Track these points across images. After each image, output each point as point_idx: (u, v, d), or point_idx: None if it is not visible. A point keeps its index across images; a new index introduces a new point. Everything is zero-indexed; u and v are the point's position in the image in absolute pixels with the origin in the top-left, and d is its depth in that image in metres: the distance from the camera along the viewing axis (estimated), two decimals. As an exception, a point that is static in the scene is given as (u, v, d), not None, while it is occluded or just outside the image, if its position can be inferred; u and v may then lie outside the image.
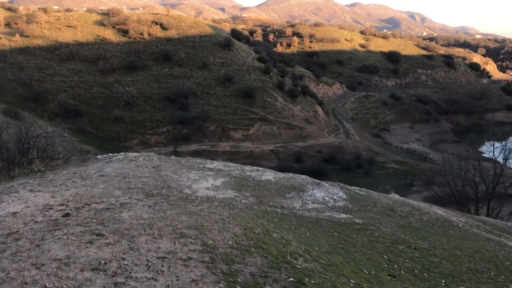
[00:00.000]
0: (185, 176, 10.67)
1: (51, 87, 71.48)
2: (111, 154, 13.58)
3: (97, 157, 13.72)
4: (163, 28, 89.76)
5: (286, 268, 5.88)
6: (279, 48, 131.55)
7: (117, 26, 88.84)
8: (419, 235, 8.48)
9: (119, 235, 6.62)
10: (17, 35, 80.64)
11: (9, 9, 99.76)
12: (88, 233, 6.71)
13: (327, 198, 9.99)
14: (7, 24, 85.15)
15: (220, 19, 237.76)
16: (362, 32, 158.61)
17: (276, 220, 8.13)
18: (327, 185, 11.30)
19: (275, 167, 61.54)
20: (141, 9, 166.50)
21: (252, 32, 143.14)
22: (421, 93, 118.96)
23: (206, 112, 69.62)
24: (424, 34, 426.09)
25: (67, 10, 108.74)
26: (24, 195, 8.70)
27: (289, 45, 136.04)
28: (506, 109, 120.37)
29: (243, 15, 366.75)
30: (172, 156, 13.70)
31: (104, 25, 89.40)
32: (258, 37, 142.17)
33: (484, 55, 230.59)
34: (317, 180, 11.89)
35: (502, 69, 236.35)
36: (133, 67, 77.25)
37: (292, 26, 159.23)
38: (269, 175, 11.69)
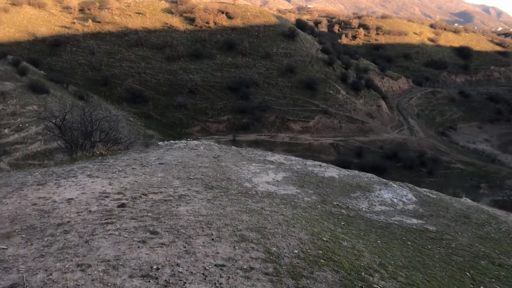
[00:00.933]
0: (246, 168, 10.41)
1: (119, 71, 73.91)
2: (172, 141, 13.53)
3: (159, 143, 13.70)
4: (229, 17, 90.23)
5: (362, 287, 5.21)
6: (344, 40, 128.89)
7: (184, 14, 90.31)
8: (501, 248, 7.58)
9: (175, 235, 6.18)
10: (90, 21, 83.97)
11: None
12: (141, 230, 6.31)
13: (395, 200, 9.36)
14: (81, 10, 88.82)
15: (285, 9, 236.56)
16: (431, 26, 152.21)
17: (343, 223, 7.58)
18: (395, 185, 10.63)
19: (334, 161, 60.58)
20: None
21: (317, 23, 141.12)
22: (493, 91, 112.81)
23: (267, 103, 69.46)
24: (500, 29, 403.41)
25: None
26: (82, 180, 8.62)
27: (354, 37, 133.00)
28: None
29: (308, 6, 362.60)
30: (233, 147, 13.48)
31: (172, 13, 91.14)
32: (323, 28, 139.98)
33: None
34: (385, 180, 11.22)
35: None
36: (197, 55, 78.33)
37: (359, 17, 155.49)
38: (332, 171, 11.17)
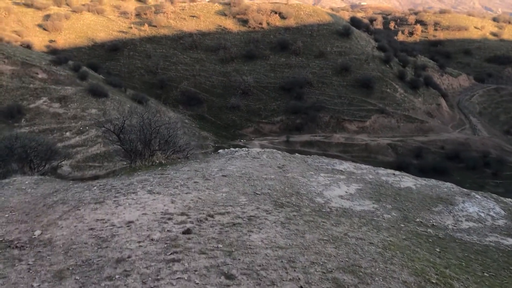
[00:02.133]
0: (314, 180, 9.70)
1: (174, 75, 75.15)
2: (233, 149, 13.02)
3: (219, 151, 13.32)
4: (282, 17, 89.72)
5: None
6: (400, 37, 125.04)
7: (238, 16, 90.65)
8: None
9: (255, 280, 5.19)
10: (146, 25, 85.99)
11: (139, 0, 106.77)
12: (214, 272, 5.38)
13: (482, 215, 8.44)
14: (138, 15, 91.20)
15: (338, 7, 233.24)
16: (494, 19, 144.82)
17: (437, 250, 6.63)
18: (478, 196, 9.67)
19: (392, 162, 58.58)
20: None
21: (372, 20, 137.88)
22: None
23: (321, 102, 68.32)
24: None
25: (192, 0, 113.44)
26: (142, 197, 8.11)
27: (411, 34, 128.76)
28: None
29: (362, 3, 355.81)
30: (297, 154, 12.77)
31: (225, 15, 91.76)
32: (379, 25, 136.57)
33: None
34: (466, 190, 10.23)
35: None
36: (250, 56, 78.34)
37: (415, 13, 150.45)
38: (408, 181, 10.30)
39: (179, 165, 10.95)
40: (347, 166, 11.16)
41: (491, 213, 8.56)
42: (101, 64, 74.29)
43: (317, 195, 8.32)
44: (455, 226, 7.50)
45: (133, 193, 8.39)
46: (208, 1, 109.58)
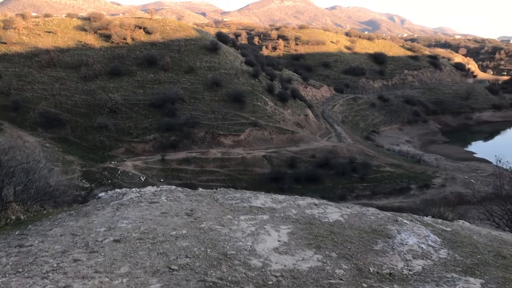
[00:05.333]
0: (236, 227, 7.90)
1: (31, 95, 68.19)
2: (119, 191, 10.36)
3: (100, 195, 10.35)
4: (147, 32, 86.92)
5: None
6: (265, 51, 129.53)
7: (99, 31, 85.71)
8: None
9: None
10: (-7, 42, 77.09)
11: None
12: None
13: (424, 246, 7.63)
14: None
15: (202, 23, 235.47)
16: (347, 34, 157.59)
17: None
18: (407, 221, 8.91)
19: (268, 173, 59.44)
20: (121, 14, 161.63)
21: (237, 36, 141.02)
22: (408, 94, 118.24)
23: (195, 118, 67.02)
24: (405, 35, 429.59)
25: (46, 15, 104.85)
26: None
27: (275, 48, 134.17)
28: (493, 108, 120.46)
29: (224, 19, 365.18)
30: (200, 189, 10.69)
31: (86, 30, 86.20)
32: (244, 40, 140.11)
33: (465, 55, 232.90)
34: (391, 215, 9.42)
35: (483, 68, 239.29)
36: (116, 73, 74.28)
37: (277, 29, 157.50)
38: (333, 212, 9.14)
39: (46, 224, 8.09)
40: (263, 200, 9.71)
41: (430, 243, 7.84)
42: None
43: (249, 254, 6.61)
44: (409, 271, 6.53)
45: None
46: (65, 16, 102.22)
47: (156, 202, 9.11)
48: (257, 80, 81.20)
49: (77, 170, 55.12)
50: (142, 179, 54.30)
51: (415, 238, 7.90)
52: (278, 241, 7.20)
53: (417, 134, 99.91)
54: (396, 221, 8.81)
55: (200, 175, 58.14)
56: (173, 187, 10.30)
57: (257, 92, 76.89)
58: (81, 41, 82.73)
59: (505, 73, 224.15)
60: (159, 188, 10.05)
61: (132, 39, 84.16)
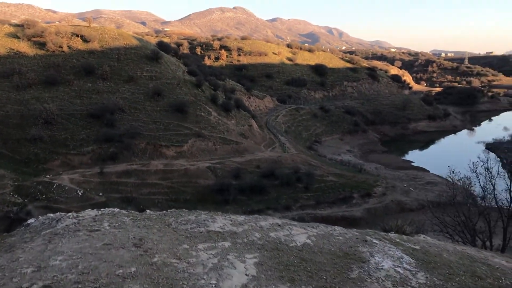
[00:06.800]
0: (195, 259, 6.67)
1: (-45, 105, 63.42)
2: (52, 216, 8.58)
3: (29, 222, 8.58)
4: (85, 40, 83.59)
5: None
6: (208, 62, 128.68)
7: (33, 39, 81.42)
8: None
9: None
10: None
11: None
12: None
13: (400, 270, 7.02)
14: None
15: (142, 32, 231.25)
16: (288, 46, 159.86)
17: None
18: (376, 241, 8.28)
19: (213, 185, 58.23)
20: (57, 22, 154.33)
21: (179, 45, 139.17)
22: (348, 105, 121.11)
23: (135, 129, 64.75)
24: (343, 48, 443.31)
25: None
26: None
27: (217, 58, 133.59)
28: (428, 118, 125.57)
29: (165, 29, 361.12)
30: (149, 212, 9.23)
31: (18, 38, 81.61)
32: (185, 50, 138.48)
33: (400, 68, 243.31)
34: (356, 232, 8.81)
35: (417, 80, 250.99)
36: (52, 82, 70.63)
37: (219, 39, 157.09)
38: (299, 234, 8.26)
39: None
40: (221, 222, 8.65)
41: (405, 265, 7.26)
42: None
43: (214, 295, 5.66)
44: (390, 300, 5.91)
45: None
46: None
47: (97, 230, 7.70)
48: (200, 90, 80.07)
49: (9, 184, 51.52)
50: (80, 193, 51.60)
51: (389, 261, 7.32)
52: (246, 275, 6.27)
53: (358, 144, 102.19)
54: (365, 241, 8.21)
55: (142, 188, 56.02)
56: (117, 210, 8.96)
57: (200, 102, 75.72)
58: (13, 49, 78.20)
59: (438, 85, 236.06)
60: (100, 212, 8.63)
61: (69, 47, 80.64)
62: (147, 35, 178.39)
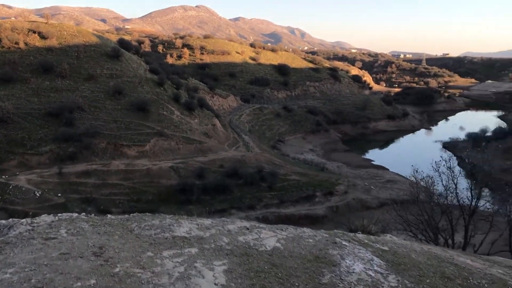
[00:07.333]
0: (160, 268, 6.22)
1: None
2: (3, 223, 7.83)
3: None
4: (42, 37, 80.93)
5: None
6: (170, 60, 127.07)
7: (-14, 34, 78.25)
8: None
9: None
10: None
11: None
12: None
13: (372, 273, 6.90)
14: None
15: (103, 30, 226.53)
16: (252, 45, 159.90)
17: None
18: (345, 243, 8.12)
19: (176, 185, 57.45)
20: (13, 18, 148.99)
21: (140, 43, 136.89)
22: (311, 104, 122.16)
23: (95, 128, 63.19)
24: (306, 48, 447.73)
25: None
26: None
27: (180, 57, 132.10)
28: (387, 118, 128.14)
29: (126, 27, 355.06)
30: (109, 216, 8.52)
31: (-30, 33, 78.27)
32: (147, 48, 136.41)
33: (361, 68, 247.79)
34: (325, 234, 8.63)
35: (377, 81, 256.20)
36: (7, 80, 68.03)
37: (182, 37, 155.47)
38: (267, 236, 7.98)
39: None
40: (187, 226, 8.23)
41: (376, 268, 7.16)
42: None
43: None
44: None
45: None
46: None
47: (54, 238, 7.03)
48: (162, 88, 78.94)
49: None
50: (37, 194, 49.94)
51: (360, 264, 7.22)
52: (215, 284, 5.93)
53: (320, 143, 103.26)
54: (335, 243, 8.08)
55: (102, 188, 54.70)
56: (75, 215, 8.40)
57: (162, 101, 74.64)
58: (-34, 45, 74.98)
59: (396, 85, 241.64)
60: (57, 218, 8.01)
61: (26, 44, 77.87)
62: (108, 32, 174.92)
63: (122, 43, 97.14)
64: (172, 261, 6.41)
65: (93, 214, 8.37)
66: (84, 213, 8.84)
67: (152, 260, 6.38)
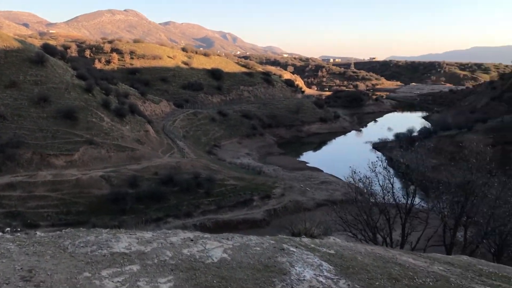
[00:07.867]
0: None
1: None
2: None
3: None
4: (-44, 40, 75.40)
5: None
6: (98, 65, 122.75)
7: None
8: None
9: None
10: None
11: None
12: None
13: (322, 280, 6.57)
14: None
15: (25, 34, 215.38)
16: (183, 50, 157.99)
17: None
18: (293, 249, 7.75)
19: (108, 194, 55.23)
20: None
21: (66, 48, 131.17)
22: (245, 109, 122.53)
23: (19, 137, 59.53)
24: (238, 53, 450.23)
25: None
26: None
27: (108, 62, 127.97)
28: (320, 121, 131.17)
29: (51, 31, 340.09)
30: (40, 234, 7.60)
31: None
32: (74, 53, 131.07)
33: (293, 73, 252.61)
34: (271, 240, 8.23)
35: (308, 85, 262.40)
36: None
37: (110, 42, 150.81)
38: (213, 246, 7.42)
39: None
40: (126, 241, 7.49)
41: (326, 274, 6.88)
42: None
43: None
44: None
45: None
46: None
47: None
48: (90, 94, 75.91)
49: None
50: (-46, 211, 46.24)
51: (310, 271, 6.93)
52: None
53: (256, 147, 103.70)
54: (283, 249, 7.76)
55: (28, 201, 51.58)
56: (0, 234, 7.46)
57: (91, 108, 71.72)
58: None
59: (327, 89, 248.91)
60: None
61: None
62: (31, 37, 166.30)
63: (47, 48, 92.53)
64: (113, 281, 5.75)
65: (19, 231, 7.42)
66: (9, 230, 7.90)
67: (90, 281, 5.68)
